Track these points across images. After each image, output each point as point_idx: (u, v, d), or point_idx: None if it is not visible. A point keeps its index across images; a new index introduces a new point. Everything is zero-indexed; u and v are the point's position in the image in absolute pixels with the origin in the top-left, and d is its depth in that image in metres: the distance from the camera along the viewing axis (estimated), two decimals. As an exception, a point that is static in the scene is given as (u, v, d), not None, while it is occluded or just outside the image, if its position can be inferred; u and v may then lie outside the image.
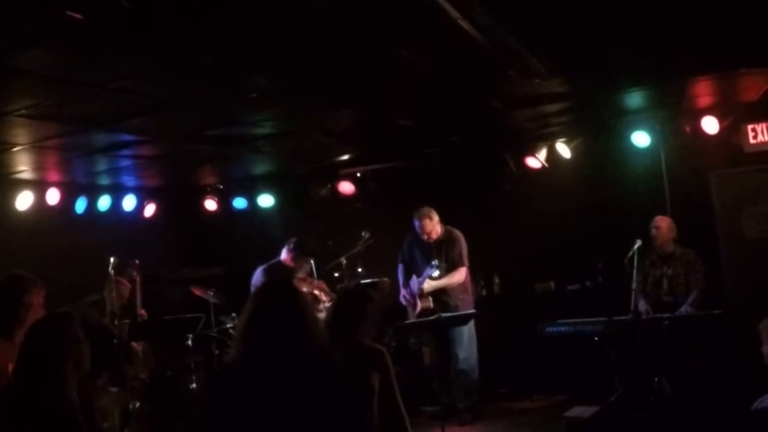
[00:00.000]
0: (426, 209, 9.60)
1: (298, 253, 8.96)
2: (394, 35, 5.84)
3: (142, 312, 9.16)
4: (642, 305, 8.52)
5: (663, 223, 9.01)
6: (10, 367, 4.83)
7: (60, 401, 4.20)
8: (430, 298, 9.53)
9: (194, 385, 10.28)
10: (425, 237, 9.57)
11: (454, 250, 9.57)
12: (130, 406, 7.89)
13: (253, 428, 3.67)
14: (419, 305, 9.53)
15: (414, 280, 9.69)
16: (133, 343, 8.83)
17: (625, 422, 7.03)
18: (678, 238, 9.03)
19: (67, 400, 4.23)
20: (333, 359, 3.93)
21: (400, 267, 9.99)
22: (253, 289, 8.95)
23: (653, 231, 8.97)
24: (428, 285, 9.52)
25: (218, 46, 5.73)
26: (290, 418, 3.66)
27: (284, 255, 9.00)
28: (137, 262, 8.80)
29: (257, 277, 8.97)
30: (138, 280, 8.80)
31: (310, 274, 9.10)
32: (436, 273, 9.46)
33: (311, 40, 5.74)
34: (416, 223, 9.58)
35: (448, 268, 9.56)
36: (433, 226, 9.56)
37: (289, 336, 3.80)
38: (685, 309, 8.60)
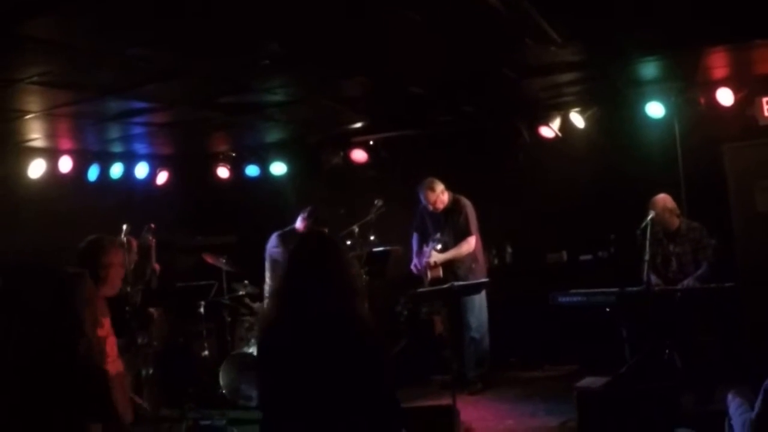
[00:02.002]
0: (429, 180, 9.60)
1: (313, 222, 8.97)
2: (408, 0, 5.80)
3: (156, 266, 9.20)
4: (653, 278, 8.49)
5: (657, 206, 8.74)
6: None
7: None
8: (440, 268, 9.55)
9: (206, 353, 10.35)
10: (431, 208, 9.58)
11: (461, 219, 9.58)
12: (143, 373, 7.93)
13: (297, 379, 3.70)
14: (429, 275, 9.55)
15: (424, 249, 9.71)
16: (150, 309, 8.88)
17: (635, 394, 7.03)
18: (681, 212, 8.97)
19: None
20: (369, 320, 3.91)
21: (415, 236, 10.02)
22: (267, 256, 8.99)
23: (654, 216, 8.75)
24: (436, 257, 9.53)
25: (231, 13, 5.71)
26: (328, 381, 3.67)
27: (299, 223, 9.02)
28: (153, 226, 8.83)
29: (272, 243, 9.00)
30: (153, 243, 8.84)
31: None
32: (439, 246, 9.51)
33: (323, 4, 5.71)
34: (420, 195, 9.59)
35: (456, 237, 9.57)
36: (437, 196, 9.56)
37: (329, 294, 3.77)
38: (688, 282, 8.56)
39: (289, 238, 9.01)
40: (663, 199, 8.77)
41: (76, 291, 5.08)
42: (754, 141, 9.63)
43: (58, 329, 4.88)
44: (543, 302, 8.80)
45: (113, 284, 5.68)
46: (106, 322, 5.51)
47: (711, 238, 8.79)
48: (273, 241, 8.99)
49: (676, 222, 8.81)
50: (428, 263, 9.54)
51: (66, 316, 4.94)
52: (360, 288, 4.04)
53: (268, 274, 9.00)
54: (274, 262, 8.94)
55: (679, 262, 8.79)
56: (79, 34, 5.91)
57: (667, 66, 8.69)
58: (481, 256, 9.86)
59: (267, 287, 8.99)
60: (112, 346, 5.53)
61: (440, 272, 9.55)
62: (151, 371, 8.64)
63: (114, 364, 5.51)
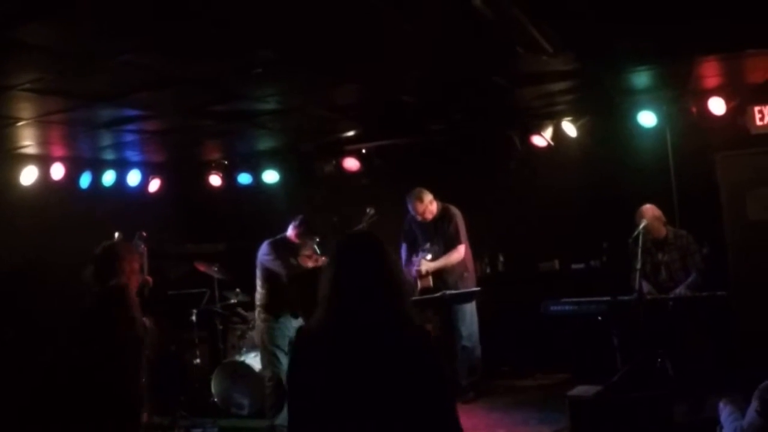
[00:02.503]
0: (417, 190, 9.62)
1: (304, 231, 8.95)
2: (399, 9, 5.80)
3: (148, 278, 9.18)
4: (645, 286, 8.50)
5: (650, 214, 8.86)
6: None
7: None
8: (430, 277, 9.56)
9: (198, 361, 10.34)
10: (419, 218, 9.58)
11: (450, 228, 9.59)
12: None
13: (341, 396, 3.45)
14: (419, 284, 9.55)
15: (414, 259, 9.72)
16: (143, 318, 8.86)
17: (628, 402, 7.04)
18: (674, 221, 9.01)
19: None
20: (416, 318, 3.71)
21: (403, 246, 10.02)
22: (258, 264, 8.98)
23: (646, 226, 8.79)
24: (426, 266, 9.55)
25: (223, 21, 5.71)
26: (379, 386, 3.43)
27: (290, 231, 9.00)
28: (144, 234, 8.82)
29: (263, 251, 8.98)
30: (145, 251, 8.82)
31: (315, 251, 9.11)
32: (429, 256, 9.53)
33: (316, 13, 5.71)
34: (409, 206, 9.61)
35: (446, 247, 9.58)
36: (426, 206, 9.57)
37: (379, 294, 3.56)
38: (680, 291, 8.60)
39: (281, 246, 8.98)
40: (651, 208, 8.87)
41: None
42: (746, 150, 9.62)
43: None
44: (535, 311, 8.81)
45: None
46: None
47: (698, 245, 8.84)
48: (264, 249, 8.97)
49: (663, 231, 8.91)
50: (418, 272, 9.55)
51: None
52: (409, 290, 3.83)
53: (259, 282, 8.97)
54: (265, 270, 8.92)
55: (669, 270, 8.87)
56: (71, 41, 5.90)
57: (659, 75, 8.70)
58: (471, 265, 9.86)
59: (258, 295, 8.96)
60: None
61: (430, 282, 9.56)
62: (143, 380, 8.62)
63: None
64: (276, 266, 8.84)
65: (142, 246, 8.81)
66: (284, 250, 8.96)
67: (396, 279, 3.66)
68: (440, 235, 9.68)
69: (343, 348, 3.49)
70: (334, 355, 3.50)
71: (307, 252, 9.04)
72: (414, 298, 9.35)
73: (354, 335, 3.49)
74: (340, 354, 3.48)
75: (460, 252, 9.53)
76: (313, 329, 3.65)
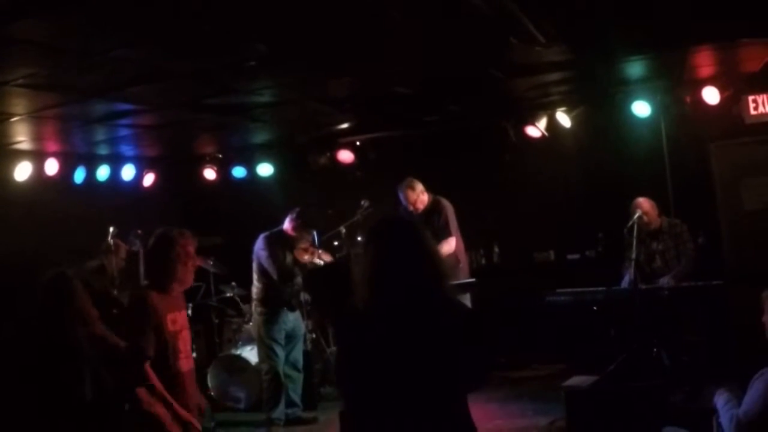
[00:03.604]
0: (408, 180, 9.59)
1: (301, 224, 8.95)
2: (392, 0, 5.79)
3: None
4: (628, 278, 8.53)
5: (645, 206, 8.94)
6: (169, 318, 5.39)
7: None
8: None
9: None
10: (411, 208, 9.56)
11: (441, 220, 9.56)
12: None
13: (391, 374, 3.54)
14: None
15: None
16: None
17: (624, 392, 7.05)
18: (668, 211, 9.04)
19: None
20: (455, 299, 3.81)
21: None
22: (255, 257, 8.98)
23: (644, 218, 8.85)
24: None
25: (216, 14, 5.69)
26: (421, 364, 3.52)
27: (287, 224, 8.99)
28: (140, 232, 8.81)
29: (259, 245, 8.98)
30: (142, 250, 8.81)
31: (312, 243, 9.11)
32: None
33: (309, 5, 5.70)
34: (400, 196, 9.58)
35: (437, 239, 9.56)
36: (417, 195, 9.54)
37: (421, 275, 3.61)
38: (666, 280, 8.63)
39: (277, 240, 8.98)
40: (645, 200, 8.92)
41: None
42: (740, 139, 9.66)
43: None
44: (531, 301, 8.82)
45: (184, 279, 5.65)
46: (180, 317, 5.56)
47: (692, 234, 8.88)
48: (260, 242, 8.96)
49: (658, 221, 8.97)
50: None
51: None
52: (447, 271, 3.85)
53: (255, 276, 8.97)
54: (261, 263, 8.93)
55: (664, 259, 8.93)
56: (65, 36, 5.87)
57: (653, 65, 8.72)
58: (463, 257, 9.83)
59: (255, 289, 8.97)
60: (185, 341, 5.57)
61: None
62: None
63: (186, 361, 5.57)
64: (268, 264, 8.85)
65: (139, 245, 8.82)
66: (280, 244, 8.96)
67: (434, 259, 3.72)
68: (431, 228, 9.65)
69: (391, 328, 3.55)
70: (382, 335, 3.57)
71: (303, 245, 9.05)
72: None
73: (400, 316, 3.55)
74: (388, 334, 3.56)
75: (450, 244, 9.49)
76: (357, 312, 3.69)
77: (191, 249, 5.80)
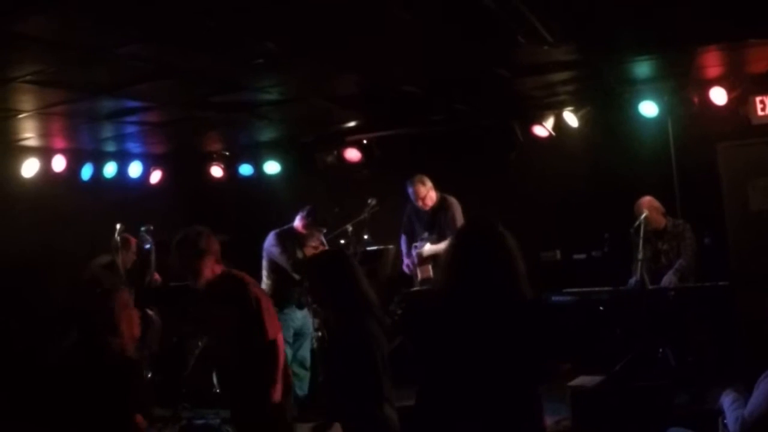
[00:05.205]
0: (418, 175, 9.63)
1: (311, 222, 8.96)
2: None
3: (156, 276, 9.20)
4: (634, 278, 8.52)
5: (647, 206, 8.92)
6: None
7: None
8: (430, 267, 9.58)
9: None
10: (420, 203, 9.59)
11: (448, 218, 9.58)
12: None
13: (462, 359, 3.86)
14: (419, 274, 9.57)
15: (413, 250, 9.75)
16: (149, 311, 8.88)
17: (629, 392, 7.05)
18: (675, 211, 9.04)
19: None
20: (531, 301, 4.09)
21: (403, 238, 10.03)
22: (265, 254, 9.01)
23: (647, 217, 8.83)
24: (427, 249, 9.58)
25: (225, 11, 5.70)
26: (489, 355, 3.84)
27: (297, 222, 9.00)
28: (152, 228, 8.83)
29: (270, 242, 8.99)
30: (153, 247, 8.85)
31: (322, 242, 9.13)
32: (427, 246, 9.54)
33: (317, 3, 5.70)
34: (410, 190, 9.61)
35: (444, 236, 9.58)
36: (427, 191, 9.57)
37: (498, 274, 3.98)
38: (668, 279, 8.62)
39: (287, 238, 8.99)
40: (650, 200, 8.95)
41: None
42: (747, 140, 9.65)
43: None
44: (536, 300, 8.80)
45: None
46: None
47: (697, 234, 8.88)
48: (271, 239, 8.97)
49: (663, 221, 8.95)
50: (419, 254, 9.60)
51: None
52: (525, 273, 4.16)
53: (265, 273, 8.98)
54: (271, 261, 8.94)
55: (668, 258, 8.91)
56: (73, 33, 5.89)
57: (661, 65, 8.70)
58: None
59: (264, 286, 8.97)
60: None
61: (430, 271, 9.57)
62: (149, 375, 8.65)
63: None
64: (282, 260, 8.87)
65: (151, 241, 8.84)
66: (290, 241, 8.98)
67: (513, 262, 4.12)
68: (438, 225, 9.68)
69: (465, 318, 3.90)
70: (456, 325, 3.92)
71: (313, 243, 9.06)
72: (417, 288, 9.41)
73: (473, 306, 3.90)
74: (462, 323, 3.91)
75: (457, 242, 9.49)
76: (432, 303, 4.14)
77: (216, 249, 6.03)
